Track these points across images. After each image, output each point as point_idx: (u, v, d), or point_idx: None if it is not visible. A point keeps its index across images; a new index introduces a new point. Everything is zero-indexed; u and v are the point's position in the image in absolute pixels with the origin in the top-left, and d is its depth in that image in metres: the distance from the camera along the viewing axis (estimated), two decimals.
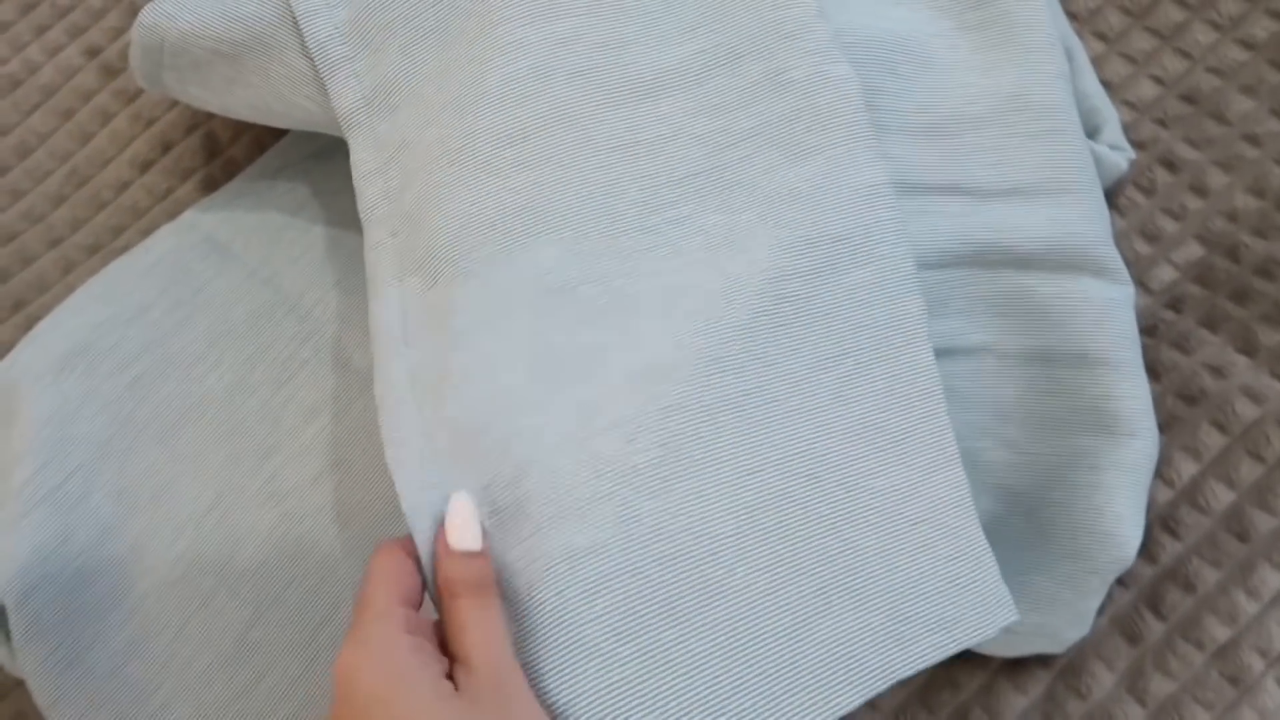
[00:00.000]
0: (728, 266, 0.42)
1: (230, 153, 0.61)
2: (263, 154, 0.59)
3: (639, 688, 0.36)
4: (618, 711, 0.35)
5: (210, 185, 0.60)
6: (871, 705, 0.48)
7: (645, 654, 0.36)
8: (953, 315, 0.46)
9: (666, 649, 0.37)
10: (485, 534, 0.37)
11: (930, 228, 0.45)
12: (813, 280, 0.42)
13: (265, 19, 0.46)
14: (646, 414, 0.39)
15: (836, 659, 0.38)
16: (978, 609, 0.40)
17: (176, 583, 0.47)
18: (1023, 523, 0.45)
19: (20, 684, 0.53)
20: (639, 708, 0.36)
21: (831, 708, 0.37)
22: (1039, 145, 0.46)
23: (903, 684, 0.48)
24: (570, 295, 0.41)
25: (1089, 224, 0.46)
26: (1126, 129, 0.54)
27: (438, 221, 0.42)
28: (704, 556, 0.38)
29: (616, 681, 0.36)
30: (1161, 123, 0.55)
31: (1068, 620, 0.44)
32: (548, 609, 0.36)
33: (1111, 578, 0.44)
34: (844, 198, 0.42)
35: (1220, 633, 0.45)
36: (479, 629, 0.34)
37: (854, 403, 0.41)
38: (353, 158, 0.45)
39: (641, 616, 0.37)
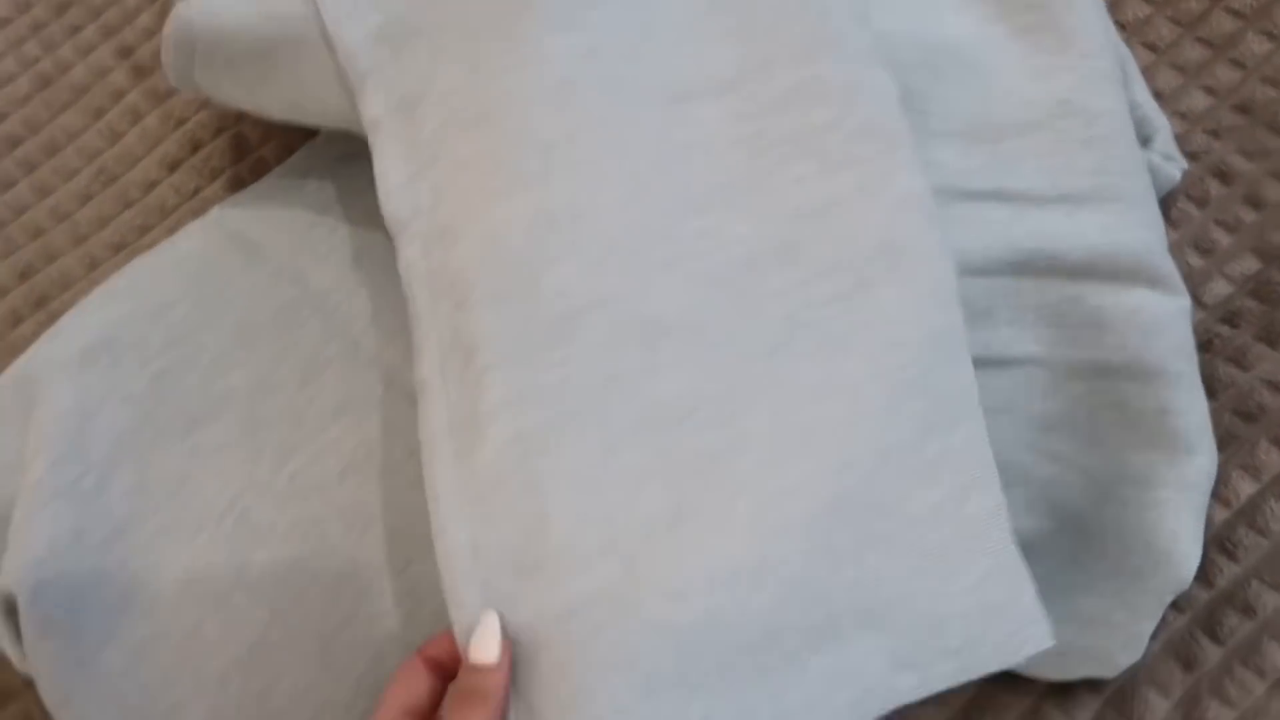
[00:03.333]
0: (750, 292, 0.40)
1: (259, 153, 0.61)
2: (291, 155, 0.58)
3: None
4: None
5: (238, 185, 0.59)
6: None
7: (644, 683, 0.36)
8: (1000, 325, 0.44)
9: (664, 674, 0.36)
10: (506, 648, 0.37)
11: (977, 235, 0.44)
12: (839, 305, 0.40)
13: (299, 16, 0.45)
14: (666, 456, 0.38)
15: (841, 685, 0.37)
16: (1006, 635, 0.38)
17: (193, 582, 0.46)
18: (1073, 541, 0.43)
19: (28, 686, 0.51)
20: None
21: None
22: (1090, 151, 0.45)
23: (944, 705, 0.46)
24: (594, 318, 0.40)
25: (1142, 232, 0.44)
26: (1178, 140, 0.52)
27: (467, 240, 0.41)
28: (712, 610, 0.37)
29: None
30: (1214, 134, 0.53)
31: (1120, 643, 0.42)
32: (554, 657, 0.36)
33: (1168, 599, 0.42)
34: (879, 210, 0.41)
35: None
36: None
37: (887, 428, 0.39)
38: (377, 169, 0.44)
39: (642, 652, 0.36)
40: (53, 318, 0.57)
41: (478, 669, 0.36)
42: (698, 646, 0.36)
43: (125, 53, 0.64)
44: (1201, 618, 0.45)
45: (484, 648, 0.36)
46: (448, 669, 0.38)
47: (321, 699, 0.45)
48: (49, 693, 0.45)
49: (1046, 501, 0.44)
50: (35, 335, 0.57)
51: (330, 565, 0.46)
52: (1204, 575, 0.45)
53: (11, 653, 0.46)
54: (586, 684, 0.36)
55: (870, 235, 0.40)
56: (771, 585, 0.36)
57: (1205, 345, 0.49)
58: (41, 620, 0.44)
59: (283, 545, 0.46)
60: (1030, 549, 0.40)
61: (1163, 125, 0.51)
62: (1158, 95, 0.54)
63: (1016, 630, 0.38)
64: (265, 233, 0.52)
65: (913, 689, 0.37)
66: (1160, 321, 0.43)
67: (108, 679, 0.45)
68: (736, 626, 0.36)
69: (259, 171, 0.59)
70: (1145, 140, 0.50)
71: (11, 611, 0.45)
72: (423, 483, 0.47)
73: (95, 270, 0.59)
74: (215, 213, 0.54)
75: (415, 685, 0.38)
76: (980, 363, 0.43)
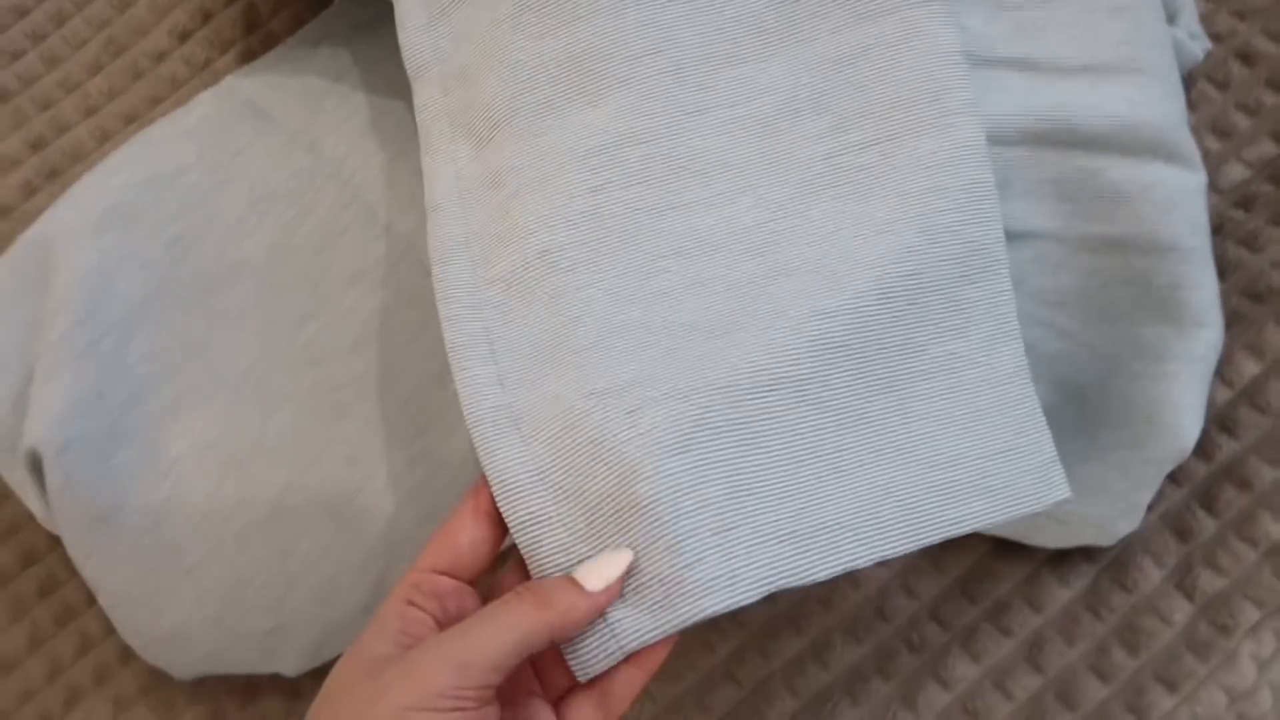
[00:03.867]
0: (785, 137, 0.40)
1: (270, 26, 0.60)
2: (302, 27, 0.57)
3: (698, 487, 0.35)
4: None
5: (249, 57, 0.59)
6: (910, 593, 0.47)
7: (697, 467, 0.35)
8: (1015, 198, 0.44)
9: (714, 464, 0.36)
10: (611, 593, 0.34)
11: (997, 103, 0.43)
12: (875, 150, 0.40)
13: None
14: (700, 280, 0.38)
15: (890, 502, 0.37)
16: (1031, 480, 0.39)
17: (212, 444, 0.47)
18: (1077, 412, 0.44)
19: (52, 549, 0.53)
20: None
21: (880, 547, 0.36)
22: (1118, 21, 0.44)
23: (942, 573, 0.47)
24: (620, 157, 0.40)
25: (1164, 107, 0.44)
26: (1203, 20, 0.51)
27: (490, 79, 0.41)
28: (754, 390, 0.37)
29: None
30: (1240, 15, 0.53)
31: (1119, 511, 0.43)
32: (590, 435, 0.36)
33: (1168, 469, 0.43)
34: (913, 62, 0.41)
35: (1275, 530, 0.44)
36: (497, 626, 0.32)
37: (919, 271, 0.39)
38: (397, 11, 0.43)
39: (690, 435, 0.36)
40: (65, 188, 0.57)
41: (562, 584, 0.33)
42: (745, 441, 0.36)
43: None
44: (1199, 491, 0.46)
45: (592, 577, 0.33)
46: (499, 521, 0.36)
47: (338, 561, 0.46)
48: (73, 546, 0.46)
49: (1052, 376, 0.44)
50: (48, 206, 0.57)
51: (345, 431, 0.47)
52: (1203, 451, 0.46)
53: (36, 508, 0.48)
54: (629, 457, 0.35)
55: (909, 85, 0.40)
56: (811, 397, 0.37)
57: (1217, 228, 0.49)
58: (65, 475, 0.45)
59: (299, 411, 0.47)
60: None
61: (1188, 3, 0.50)
62: None
63: (1040, 478, 0.39)
64: (279, 101, 0.52)
65: (959, 521, 0.37)
66: (1176, 197, 0.43)
67: (131, 535, 0.46)
68: (777, 434, 0.37)
69: (269, 44, 0.59)
70: (1170, 16, 0.49)
71: (38, 467, 0.46)
72: (438, 351, 0.48)
73: (106, 142, 0.59)
74: (229, 81, 0.53)
75: (464, 533, 0.34)
76: None
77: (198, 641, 0.46)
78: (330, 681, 0.32)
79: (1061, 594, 0.45)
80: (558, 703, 0.35)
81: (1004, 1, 0.44)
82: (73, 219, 0.48)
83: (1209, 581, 0.44)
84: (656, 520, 0.34)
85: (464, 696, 0.30)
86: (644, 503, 0.34)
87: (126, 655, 0.51)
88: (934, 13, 0.41)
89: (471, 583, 0.35)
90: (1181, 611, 0.44)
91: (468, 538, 0.35)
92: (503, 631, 0.31)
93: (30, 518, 0.53)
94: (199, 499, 0.47)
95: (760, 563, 0.35)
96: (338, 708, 0.31)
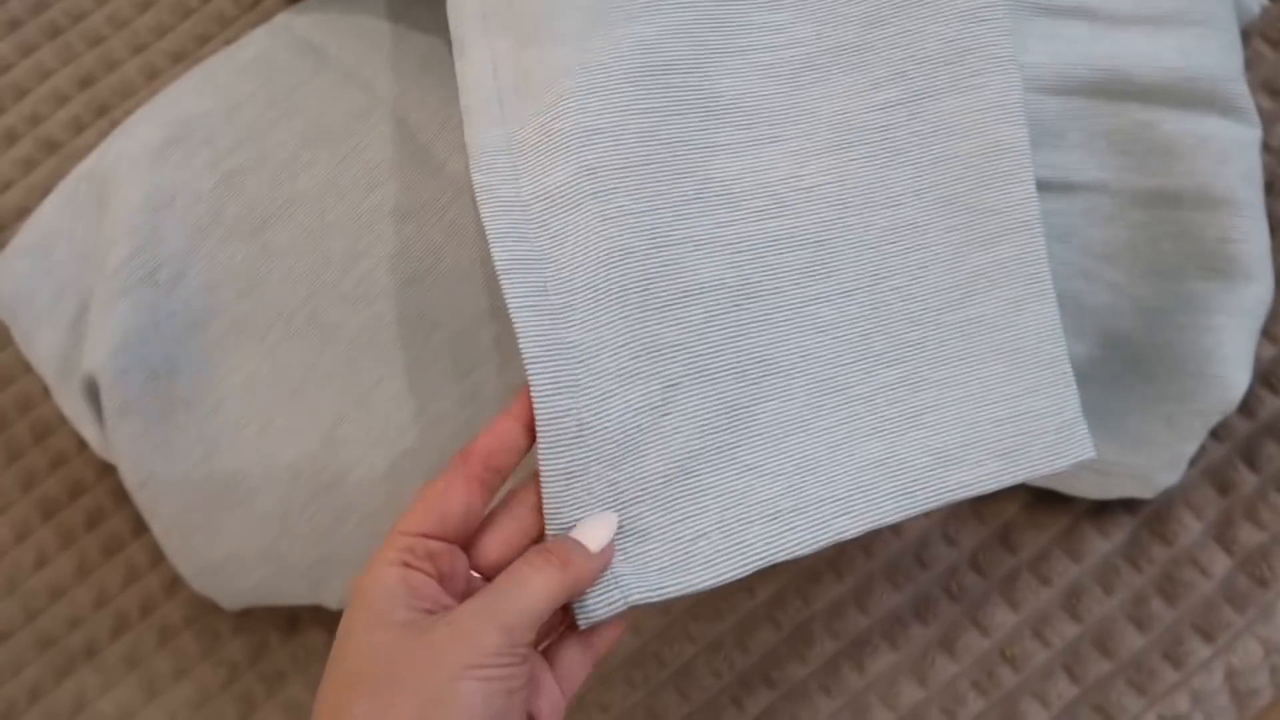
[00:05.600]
0: (811, 90, 0.40)
1: None
2: None
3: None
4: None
5: None
6: (950, 542, 0.48)
7: (708, 448, 0.37)
8: (1070, 148, 0.44)
9: (721, 445, 0.37)
10: (608, 551, 0.35)
11: (1054, 52, 0.43)
12: (897, 111, 0.40)
13: None
14: (719, 236, 0.39)
15: (881, 472, 0.38)
16: (1051, 441, 0.39)
17: (267, 376, 0.47)
18: (1122, 366, 0.44)
19: (100, 478, 0.54)
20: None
21: (871, 515, 0.37)
22: None
23: (982, 522, 0.48)
24: (667, 82, 0.39)
25: (1221, 58, 0.44)
26: None
27: None
28: (760, 376, 0.38)
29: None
30: None
31: (1163, 463, 0.44)
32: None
33: (1214, 421, 0.43)
34: (948, 18, 0.41)
35: None
36: (532, 589, 0.33)
37: (947, 232, 0.40)
38: None
39: (710, 417, 0.37)
40: (114, 125, 0.57)
41: (576, 545, 0.35)
42: (750, 422, 0.37)
43: None
44: (1241, 446, 0.46)
45: (593, 539, 0.35)
46: (491, 486, 0.36)
47: (388, 493, 0.47)
48: (129, 473, 0.47)
49: (1098, 329, 0.45)
50: (98, 143, 0.57)
51: (398, 365, 0.48)
52: (1246, 407, 0.46)
53: (92, 435, 0.48)
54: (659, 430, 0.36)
55: (938, 43, 0.40)
56: (816, 375, 0.38)
57: (1269, 186, 0.49)
58: (122, 402, 0.46)
59: (350, 346, 0.48)
60: (1079, 374, 0.41)
61: None
62: None
63: (1061, 439, 0.39)
64: (332, 39, 0.52)
65: (962, 485, 0.38)
66: (1230, 150, 0.43)
67: (185, 464, 0.47)
68: (777, 412, 0.38)
69: None
70: None
71: (94, 395, 0.47)
72: (490, 289, 0.48)
73: (155, 80, 0.59)
74: (281, 19, 0.53)
75: (457, 499, 0.35)
76: (1044, 186, 0.43)
77: (248, 570, 0.47)
78: (359, 654, 0.32)
79: (1101, 545, 0.46)
80: (546, 648, 0.36)
81: None
82: (128, 149, 0.49)
83: (1248, 535, 0.45)
84: (674, 492, 0.36)
85: (514, 654, 0.31)
86: (662, 475, 0.36)
87: (173, 587, 0.52)
88: None
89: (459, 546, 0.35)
90: (1220, 564, 0.44)
91: (461, 504, 0.35)
92: (538, 594, 0.32)
93: (79, 449, 0.54)
94: (252, 430, 0.47)
95: (756, 539, 0.36)
96: (393, 673, 0.31)
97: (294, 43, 0.52)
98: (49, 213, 0.50)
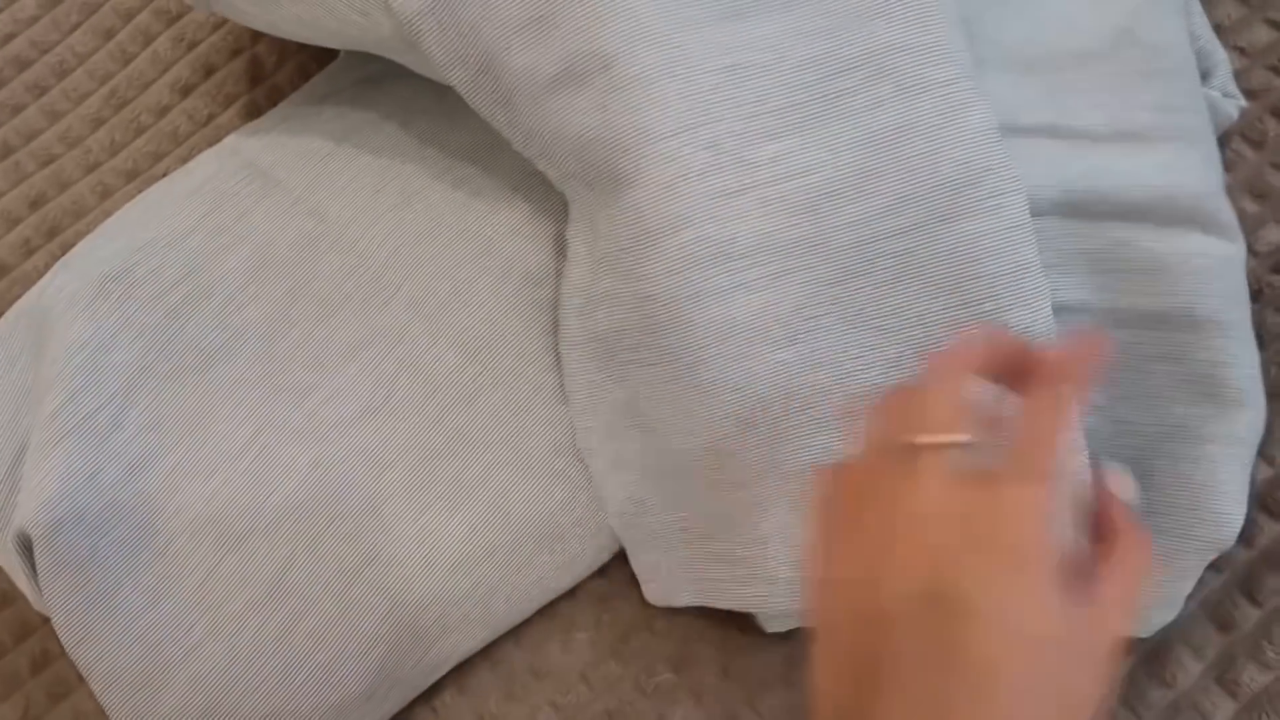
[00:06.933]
0: (827, 220, 0.39)
1: (274, 79, 0.59)
2: (308, 81, 0.56)
3: None
4: None
5: (253, 112, 0.58)
6: None
7: None
8: (1045, 269, 0.42)
9: None
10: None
11: (1026, 172, 0.41)
12: (915, 235, 0.39)
13: None
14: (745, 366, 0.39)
15: None
16: None
17: (210, 521, 0.45)
18: None
19: (47, 621, 0.51)
20: None
21: None
22: (1152, 86, 0.42)
23: None
24: (669, 243, 0.39)
25: (1201, 173, 0.42)
26: (1237, 76, 0.50)
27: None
28: None
29: None
30: (1275, 70, 0.51)
31: (1157, 602, 0.41)
32: None
33: (1209, 558, 0.41)
34: (958, 139, 0.39)
35: None
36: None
37: None
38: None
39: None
40: (65, 248, 0.56)
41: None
42: None
43: None
44: (1240, 578, 0.44)
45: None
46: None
47: (341, 639, 0.45)
48: (65, 631, 0.44)
49: (1085, 453, 0.43)
50: (47, 266, 0.55)
51: (350, 505, 0.45)
52: (1245, 535, 0.43)
53: (28, 590, 0.46)
54: None
55: (951, 165, 0.39)
56: None
57: (1255, 294, 0.47)
58: (56, 558, 0.43)
59: (302, 485, 0.46)
60: None
61: (1222, 59, 0.48)
62: (1218, 28, 0.51)
63: None
64: (282, 162, 0.50)
65: None
66: (1214, 268, 0.42)
67: (125, 618, 0.44)
68: None
69: (274, 98, 0.57)
70: (1204, 75, 0.48)
71: (28, 549, 0.45)
72: (442, 423, 0.46)
73: (108, 199, 0.57)
74: (231, 140, 0.52)
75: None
76: None
77: None
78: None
79: None
80: None
81: (1033, 65, 0.43)
82: (68, 286, 0.47)
83: (1252, 677, 0.42)
84: None
85: None
86: None
87: None
88: (973, 89, 0.40)
89: None
90: (1223, 710, 0.42)
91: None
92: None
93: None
94: (198, 577, 0.45)
95: None
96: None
97: (242, 167, 0.50)
98: None
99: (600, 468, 0.46)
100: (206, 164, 0.51)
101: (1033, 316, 0.39)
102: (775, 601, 0.41)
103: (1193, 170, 0.42)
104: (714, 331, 0.39)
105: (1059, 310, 0.42)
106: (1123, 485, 0.33)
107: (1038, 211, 0.42)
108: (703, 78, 0.39)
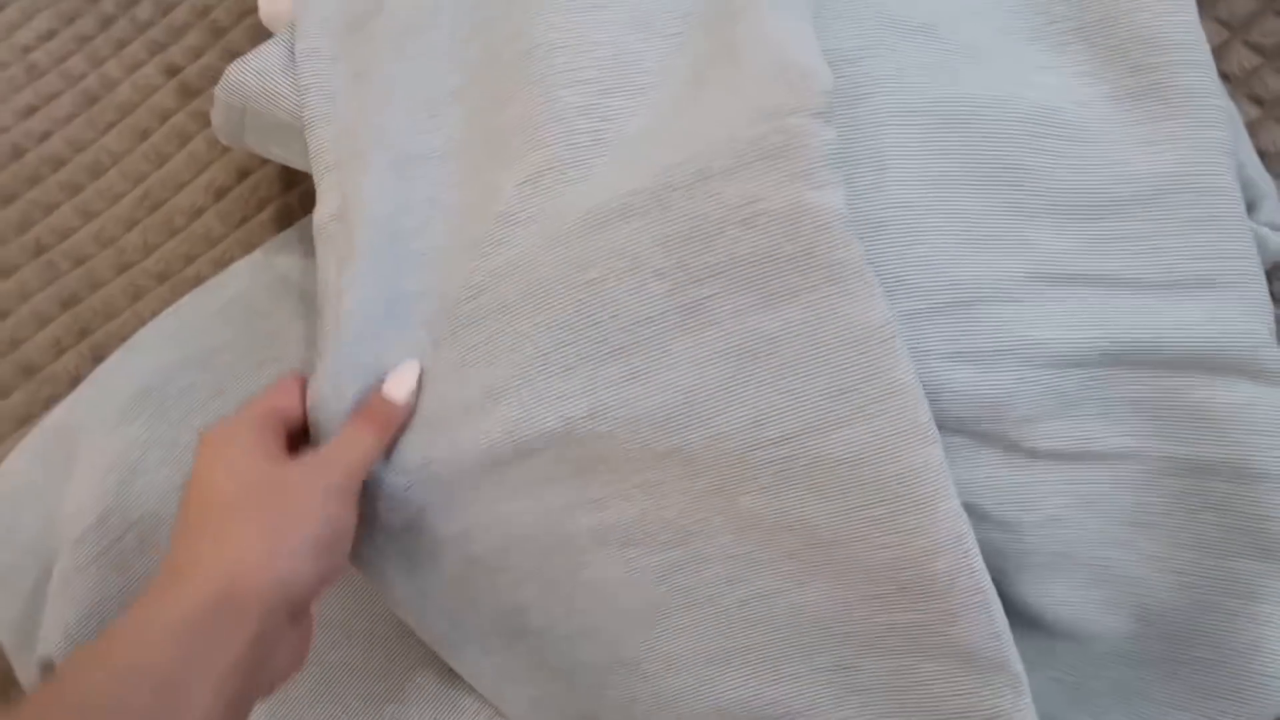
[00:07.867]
0: (697, 431, 0.39)
1: (307, 184, 0.58)
2: None
3: None
4: None
5: (286, 216, 0.57)
6: None
7: None
8: (1090, 418, 0.41)
9: None
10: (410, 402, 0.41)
11: (1069, 324, 0.41)
12: (799, 442, 0.38)
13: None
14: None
15: None
16: None
17: None
18: (1164, 649, 0.41)
19: None
20: None
21: None
22: (1199, 233, 0.41)
23: None
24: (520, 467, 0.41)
25: (1250, 321, 0.41)
26: None
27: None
28: None
29: None
30: None
31: None
32: None
33: None
34: (832, 346, 0.37)
35: None
36: (353, 445, 0.39)
37: (880, 550, 0.38)
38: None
39: None
40: (95, 349, 0.56)
41: (386, 402, 0.41)
42: None
43: (172, 71, 0.62)
44: None
45: (398, 388, 0.41)
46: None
47: None
48: None
49: (1134, 602, 0.41)
50: (77, 367, 0.55)
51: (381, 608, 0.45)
52: None
53: None
54: None
55: (825, 375, 0.37)
56: None
57: None
58: None
59: (328, 602, 0.45)
60: (1123, 653, 0.38)
61: (1270, 190, 0.47)
62: (1264, 154, 0.50)
63: None
64: (313, 281, 0.50)
65: None
66: (1268, 419, 0.40)
67: None
68: None
69: (307, 204, 0.57)
70: (1250, 206, 0.47)
71: (49, 675, 0.44)
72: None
73: (139, 300, 0.57)
74: (263, 254, 0.52)
75: (290, 395, 0.40)
76: (1064, 455, 0.41)
77: None
78: (214, 488, 0.36)
79: None
80: None
81: (1075, 211, 0.42)
82: (99, 404, 0.47)
83: None
84: None
85: (355, 489, 0.38)
86: None
87: None
88: (849, 290, 0.37)
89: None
90: None
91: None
92: (369, 449, 0.39)
93: None
94: None
95: None
96: (251, 498, 0.35)
97: (274, 282, 0.50)
98: (17, 468, 0.47)
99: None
100: (239, 276, 0.51)
101: (930, 520, 0.37)
102: None
103: (1241, 318, 0.41)
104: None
105: (1106, 458, 0.41)
106: (397, 383, 0.41)
107: (1083, 363, 0.41)
108: (556, 293, 0.41)
